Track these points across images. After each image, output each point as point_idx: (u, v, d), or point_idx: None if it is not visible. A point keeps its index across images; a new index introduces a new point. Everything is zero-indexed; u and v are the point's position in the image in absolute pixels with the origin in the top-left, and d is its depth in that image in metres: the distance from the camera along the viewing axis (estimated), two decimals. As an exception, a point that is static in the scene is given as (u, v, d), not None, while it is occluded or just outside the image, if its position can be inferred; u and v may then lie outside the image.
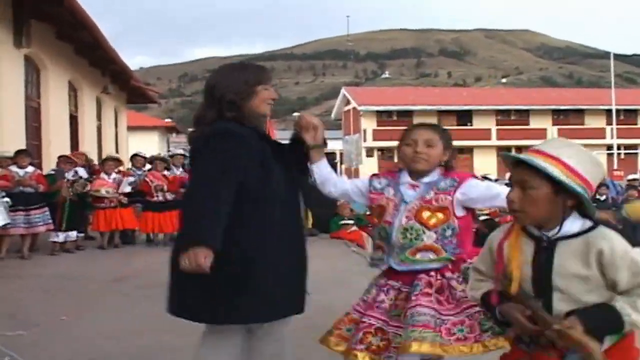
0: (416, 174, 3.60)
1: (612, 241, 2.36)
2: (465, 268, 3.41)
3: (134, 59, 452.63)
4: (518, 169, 2.46)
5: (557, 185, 2.38)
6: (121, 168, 13.53)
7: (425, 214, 3.50)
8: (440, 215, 3.49)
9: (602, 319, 2.31)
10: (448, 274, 3.47)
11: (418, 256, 3.48)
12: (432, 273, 3.47)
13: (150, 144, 33.06)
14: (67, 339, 5.83)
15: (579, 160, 2.44)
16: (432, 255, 3.48)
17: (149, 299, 7.64)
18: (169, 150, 42.69)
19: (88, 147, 19.02)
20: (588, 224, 2.43)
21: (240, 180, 3.25)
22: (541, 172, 2.38)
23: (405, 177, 3.66)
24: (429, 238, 3.48)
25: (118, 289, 8.45)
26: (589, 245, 2.36)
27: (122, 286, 8.63)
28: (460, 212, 3.53)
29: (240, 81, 3.49)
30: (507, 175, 21.93)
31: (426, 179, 3.61)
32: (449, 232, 3.49)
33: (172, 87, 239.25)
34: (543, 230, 2.46)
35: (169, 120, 59.26)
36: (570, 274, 2.37)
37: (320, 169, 3.75)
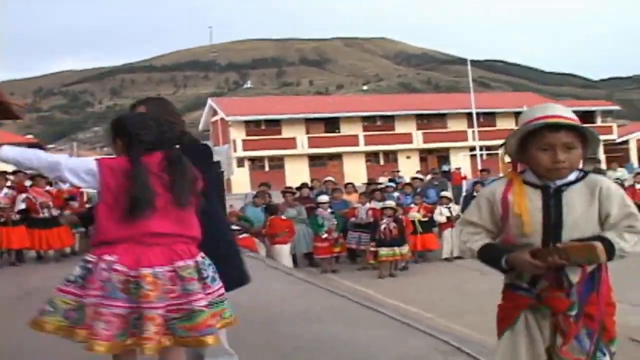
0: None
1: (606, 181, 2.94)
2: None
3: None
4: (560, 133, 2.83)
5: (583, 142, 2.86)
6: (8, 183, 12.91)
7: None
8: None
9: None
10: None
11: None
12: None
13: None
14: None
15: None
16: None
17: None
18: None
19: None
20: (581, 173, 2.92)
21: None
22: (576, 133, 2.84)
23: None
24: None
25: (14, 308, 8.16)
26: (592, 186, 2.88)
27: (18, 305, 8.34)
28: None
29: None
30: (382, 179, 22.07)
31: None
32: None
33: (27, 102, 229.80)
34: (546, 180, 2.89)
35: (30, 136, 56.85)
36: (579, 212, 2.84)
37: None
